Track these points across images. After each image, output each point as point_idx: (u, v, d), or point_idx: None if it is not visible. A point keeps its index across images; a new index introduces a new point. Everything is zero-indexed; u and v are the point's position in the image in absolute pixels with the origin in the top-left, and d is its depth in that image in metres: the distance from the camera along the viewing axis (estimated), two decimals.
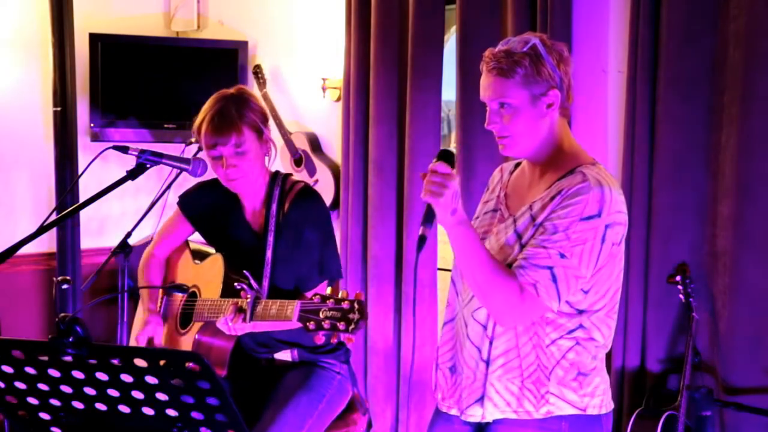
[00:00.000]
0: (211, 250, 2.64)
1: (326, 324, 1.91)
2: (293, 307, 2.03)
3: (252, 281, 2.24)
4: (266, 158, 2.49)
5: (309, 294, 2.06)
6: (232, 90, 2.50)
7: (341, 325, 1.90)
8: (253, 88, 4.20)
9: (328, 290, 1.97)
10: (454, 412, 2.07)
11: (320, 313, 1.92)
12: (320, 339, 1.92)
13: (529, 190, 2.04)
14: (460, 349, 2.05)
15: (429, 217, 1.86)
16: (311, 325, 1.93)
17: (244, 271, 2.28)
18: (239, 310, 2.24)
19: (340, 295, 1.94)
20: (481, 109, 3.47)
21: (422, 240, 1.85)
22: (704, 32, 2.90)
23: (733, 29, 2.84)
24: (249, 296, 2.22)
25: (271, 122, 3.22)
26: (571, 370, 1.97)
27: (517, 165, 2.17)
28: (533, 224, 1.93)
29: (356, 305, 1.91)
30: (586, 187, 1.88)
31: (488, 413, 2.00)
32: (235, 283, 2.29)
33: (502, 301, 1.89)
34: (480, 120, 3.50)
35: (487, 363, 1.99)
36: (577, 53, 3.26)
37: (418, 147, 3.66)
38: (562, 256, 1.86)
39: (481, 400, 2.00)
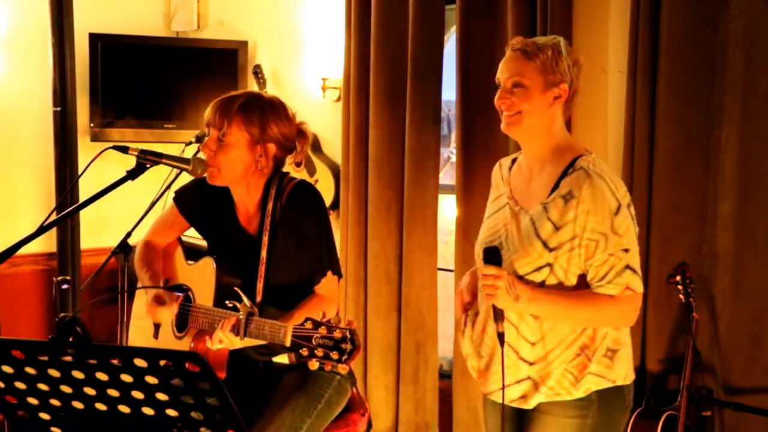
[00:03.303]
0: (203, 243, 2.63)
1: (319, 352, 1.94)
2: (285, 332, 2.05)
3: (244, 297, 2.24)
4: (257, 166, 2.42)
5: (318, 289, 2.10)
6: (269, 95, 2.50)
7: (334, 355, 1.92)
8: (252, 88, 4.21)
9: (319, 315, 1.98)
10: (495, 397, 2.20)
11: (312, 340, 1.95)
12: (313, 366, 1.94)
13: (530, 184, 2.18)
14: (493, 342, 2.16)
15: (497, 314, 2.07)
16: (304, 352, 1.95)
17: (235, 288, 2.27)
18: (232, 326, 2.24)
19: (332, 322, 1.96)
20: (481, 109, 3.51)
21: (500, 336, 2.06)
22: (704, 32, 2.90)
23: (733, 29, 2.84)
24: (242, 314, 2.22)
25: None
26: (605, 348, 2.14)
27: (513, 160, 2.29)
28: (553, 226, 2.07)
29: (348, 334, 1.92)
30: (596, 185, 2.04)
31: (532, 400, 2.15)
32: (227, 301, 2.28)
33: (609, 318, 2.11)
34: (480, 120, 3.53)
35: (520, 359, 2.14)
36: (577, 53, 3.27)
37: (418, 147, 3.66)
38: (626, 250, 2.06)
39: (525, 386, 2.15)
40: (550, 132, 2.14)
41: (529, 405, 2.16)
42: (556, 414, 2.14)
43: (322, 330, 1.96)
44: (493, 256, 2.07)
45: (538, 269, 2.08)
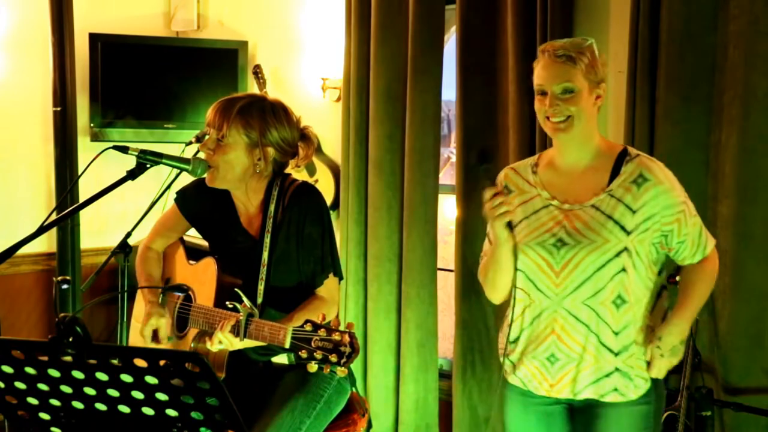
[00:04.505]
0: (205, 243, 2.63)
1: (318, 355, 1.94)
2: (285, 334, 2.06)
3: (244, 298, 2.24)
4: (255, 169, 2.41)
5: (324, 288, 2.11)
6: (272, 98, 2.49)
7: (333, 358, 1.92)
8: (253, 88, 4.21)
9: (319, 317, 1.98)
10: (553, 395, 2.25)
11: (312, 343, 1.95)
12: (312, 368, 1.94)
13: (576, 181, 2.23)
14: (561, 339, 2.21)
15: None
16: (303, 354, 1.96)
17: (236, 289, 2.27)
18: (232, 327, 2.24)
19: (331, 325, 1.96)
20: (481, 110, 3.51)
21: None
22: (704, 32, 2.90)
23: (733, 29, 2.84)
24: (242, 315, 2.22)
25: None
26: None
27: (534, 165, 2.33)
28: (628, 209, 2.14)
29: (347, 338, 1.92)
30: (662, 166, 2.20)
31: (600, 395, 2.21)
32: (227, 302, 2.28)
33: (713, 280, 2.30)
34: (480, 120, 3.53)
35: (606, 349, 2.19)
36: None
37: (418, 147, 3.66)
38: (695, 215, 2.23)
39: (598, 382, 2.20)
40: (592, 131, 2.22)
41: (609, 398, 2.21)
42: (624, 403, 2.20)
43: (322, 332, 1.97)
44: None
45: (618, 255, 2.13)
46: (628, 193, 2.15)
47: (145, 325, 2.49)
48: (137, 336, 2.71)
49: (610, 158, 2.22)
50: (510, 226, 2.18)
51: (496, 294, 2.34)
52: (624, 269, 2.14)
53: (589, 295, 2.16)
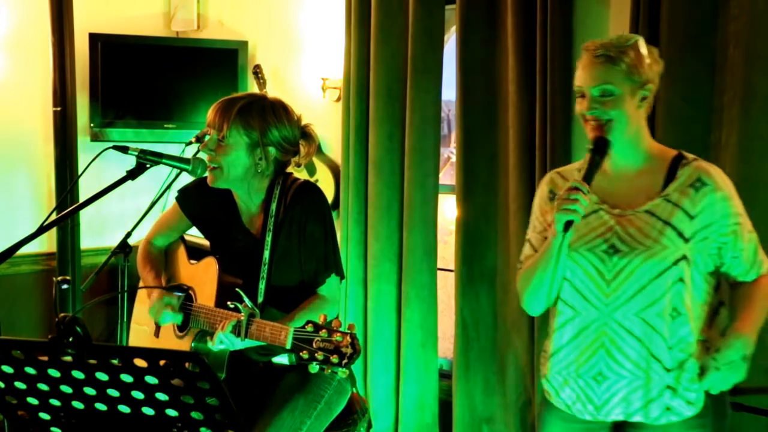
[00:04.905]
0: (206, 243, 2.63)
1: (319, 355, 1.94)
2: (286, 334, 2.06)
3: (245, 298, 2.24)
4: (257, 169, 2.41)
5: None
6: (272, 97, 2.48)
7: (334, 358, 1.92)
8: (253, 88, 4.21)
9: (320, 317, 1.98)
10: (600, 418, 2.10)
11: (313, 343, 1.95)
12: (313, 368, 1.94)
13: (628, 186, 2.10)
14: (609, 354, 2.05)
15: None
16: (304, 355, 1.95)
17: (237, 289, 2.27)
18: (233, 327, 2.24)
19: (332, 325, 1.96)
20: (481, 110, 3.51)
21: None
22: (704, 32, 2.90)
23: (733, 29, 2.84)
24: (243, 315, 2.22)
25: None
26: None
27: (580, 169, 2.16)
28: (686, 215, 2.02)
29: (349, 339, 1.92)
30: (721, 172, 2.09)
31: (653, 417, 2.06)
32: (228, 302, 2.28)
33: None
34: (480, 120, 3.53)
35: (659, 364, 2.04)
36: (577, 53, 3.26)
37: (418, 147, 3.66)
38: (750, 230, 2.11)
39: (651, 403, 2.05)
40: (640, 134, 2.08)
41: (662, 421, 2.06)
42: (678, 423, 2.06)
43: (323, 333, 1.96)
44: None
45: (675, 263, 2.00)
46: (686, 197, 2.02)
47: (153, 304, 2.48)
48: (137, 336, 2.71)
49: (663, 162, 2.09)
50: (568, 226, 1.98)
51: (536, 301, 2.15)
52: (682, 279, 2.01)
53: (643, 306, 2.02)
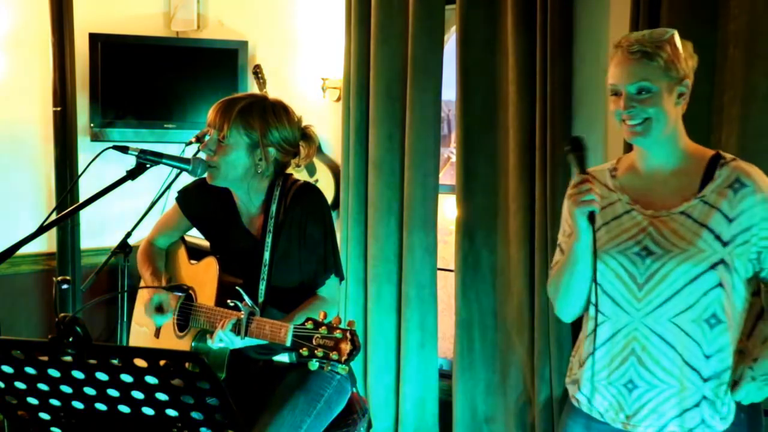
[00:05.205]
0: (206, 243, 2.64)
1: (319, 353, 1.94)
2: (286, 331, 2.06)
3: (246, 297, 2.24)
4: (257, 169, 2.42)
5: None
6: (273, 98, 2.48)
7: (334, 355, 1.92)
8: (253, 88, 4.21)
9: (320, 316, 1.98)
10: (629, 428, 2.03)
11: (313, 340, 1.95)
12: (313, 365, 1.94)
13: (662, 186, 2.01)
14: (640, 362, 1.99)
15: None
16: (304, 352, 1.95)
17: (237, 287, 2.27)
18: (233, 326, 2.24)
19: (332, 322, 1.96)
20: (481, 110, 3.51)
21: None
22: (704, 32, 2.90)
23: (733, 29, 2.84)
24: (243, 313, 2.22)
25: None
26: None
27: (612, 169, 2.13)
28: (725, 217, 1.93)
29: (349, 335, 1.92)
30: (757, 172, 1.98)
31: (687, 429, 1.99)
32: (228, 300, 2.28)
33: None
34: (480, 120, 3.53)
35: (694, 373, 1.96)
36: (577, 53, 3.27)
37: (418, 147, 3.66)
38: None
39: (684, 414, 1.98)
40: (677, 132, 2.00)
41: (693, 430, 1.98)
42: None
43: (323, 330, 1.96)
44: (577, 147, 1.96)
45: (713, 267, 1.91)
46: (724, 198, 1.93)
47: (148, 302, 2.48)
48: (137, 336, 2.72)
49: (700, 162, 1.99)
50: (593, 218, 1.92)
51: (568, 307, 2.09)
52: (721, 284, 1.92)
53: (677, 311, 1.94)
